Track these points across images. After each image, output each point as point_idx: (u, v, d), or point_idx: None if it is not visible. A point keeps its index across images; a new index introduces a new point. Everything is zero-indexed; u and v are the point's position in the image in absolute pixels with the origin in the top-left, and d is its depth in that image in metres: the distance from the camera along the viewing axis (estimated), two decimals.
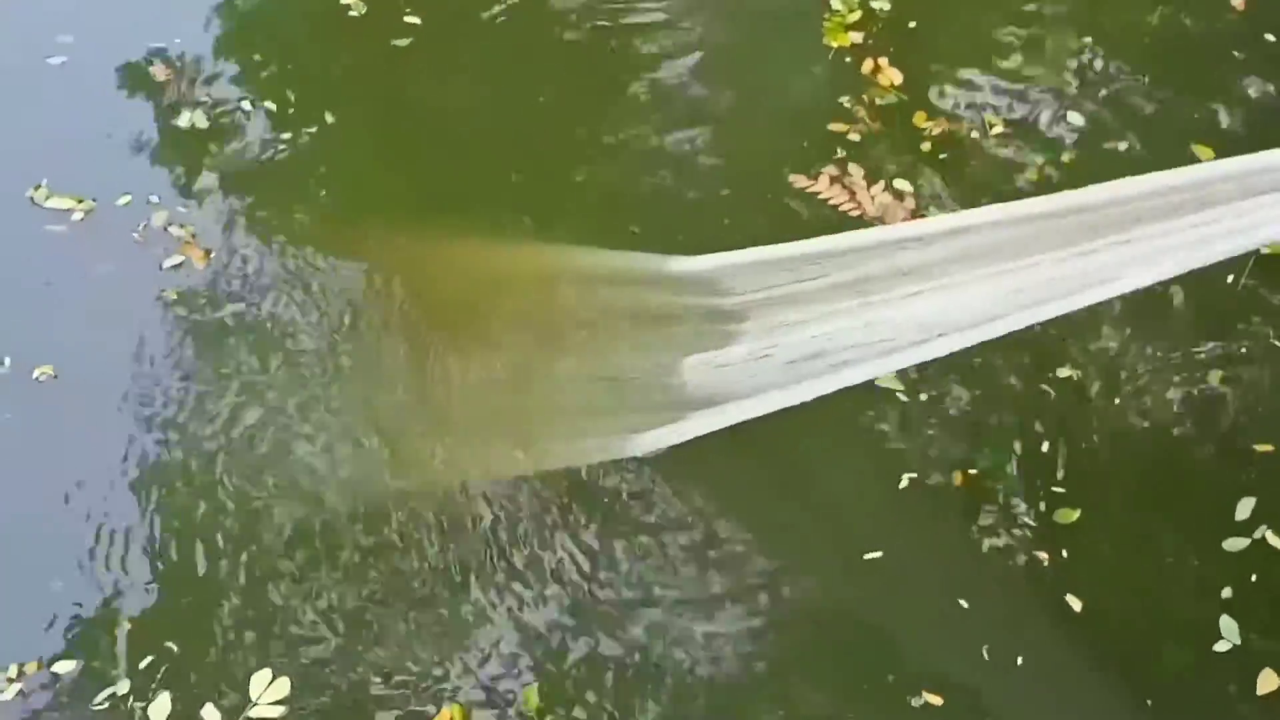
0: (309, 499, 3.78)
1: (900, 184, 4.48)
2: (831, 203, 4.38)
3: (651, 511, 3.77)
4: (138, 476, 3.84)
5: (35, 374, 4.01)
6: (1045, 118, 4.78)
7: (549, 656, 3.50)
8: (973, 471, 3.79)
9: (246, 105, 4.84)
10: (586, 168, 4.67)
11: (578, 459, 3.84)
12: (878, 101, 4.77)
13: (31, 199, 4.48)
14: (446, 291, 4.28)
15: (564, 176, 4.63)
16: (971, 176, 4.58)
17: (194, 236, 4.39)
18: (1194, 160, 4.45)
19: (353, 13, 5.16)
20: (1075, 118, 4.76)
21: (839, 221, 4.30)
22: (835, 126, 4.69)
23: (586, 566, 3.65)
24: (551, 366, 4.06)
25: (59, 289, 4.27)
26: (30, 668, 3.44)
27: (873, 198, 4.38)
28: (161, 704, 3.37)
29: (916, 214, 4.34)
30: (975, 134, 4.70)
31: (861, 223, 4.31)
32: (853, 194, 4.39)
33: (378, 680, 3.45)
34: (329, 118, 4.80)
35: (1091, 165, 4.56)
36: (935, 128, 4.68)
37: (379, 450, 3.90)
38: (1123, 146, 4.66)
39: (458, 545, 3.69)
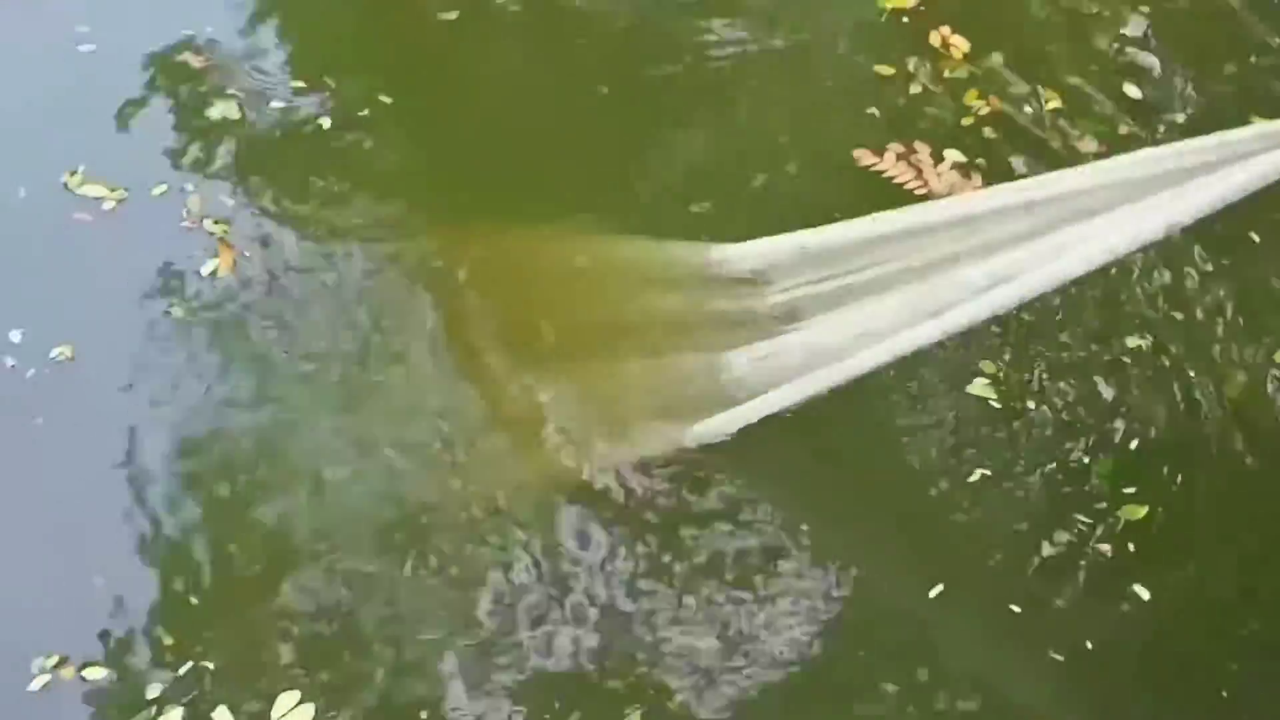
0: (361, 510, 3.68)
1: (965, 159, 4.42)
2: (897, 181, 4.31)
3: (707, 505, 3.73)
4: (171, 471, 3.75)
5: (54, 353, 3.90)
6: (1102, 90, 4.72)
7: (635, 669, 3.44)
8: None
9: (284, 92, 4.65)
10: (645, 148, 4.55)
11: (633, 452, 3.78)
12: (945, 73, 4.70)
13: (65, 184, 4.32)
14: (505, 286, 4.16)
15: (622, 157, 4.51)
16: (1029, 149, 4.52)
17: (227, 232, 4.23)
18: None
19: None
20: (1131, 90, 4.71)
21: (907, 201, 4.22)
22: (894, 98, 4.62)
23: (644, 574, 3.60)
24: (616, 359, 3.98)
25: (83, 278, 4.12)
26: (66, 673, 3.36)
27: (939, 175, 4.31)
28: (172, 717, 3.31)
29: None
30: (1029, 108, 4.64)
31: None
32: (919, 171, 4.32)
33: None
34: (384, 99, 4.61)
35: (1149, 138, 4.54)
36: (993, 101, 4.62)
37: (425, 457, 3.79)
38: (1180, 119, 4.62)
39: (516, 559, 3.60)
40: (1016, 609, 3.57)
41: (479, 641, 3.47)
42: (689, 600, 3.56)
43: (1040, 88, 4.70)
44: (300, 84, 4.67)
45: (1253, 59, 4.81)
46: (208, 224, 4.25)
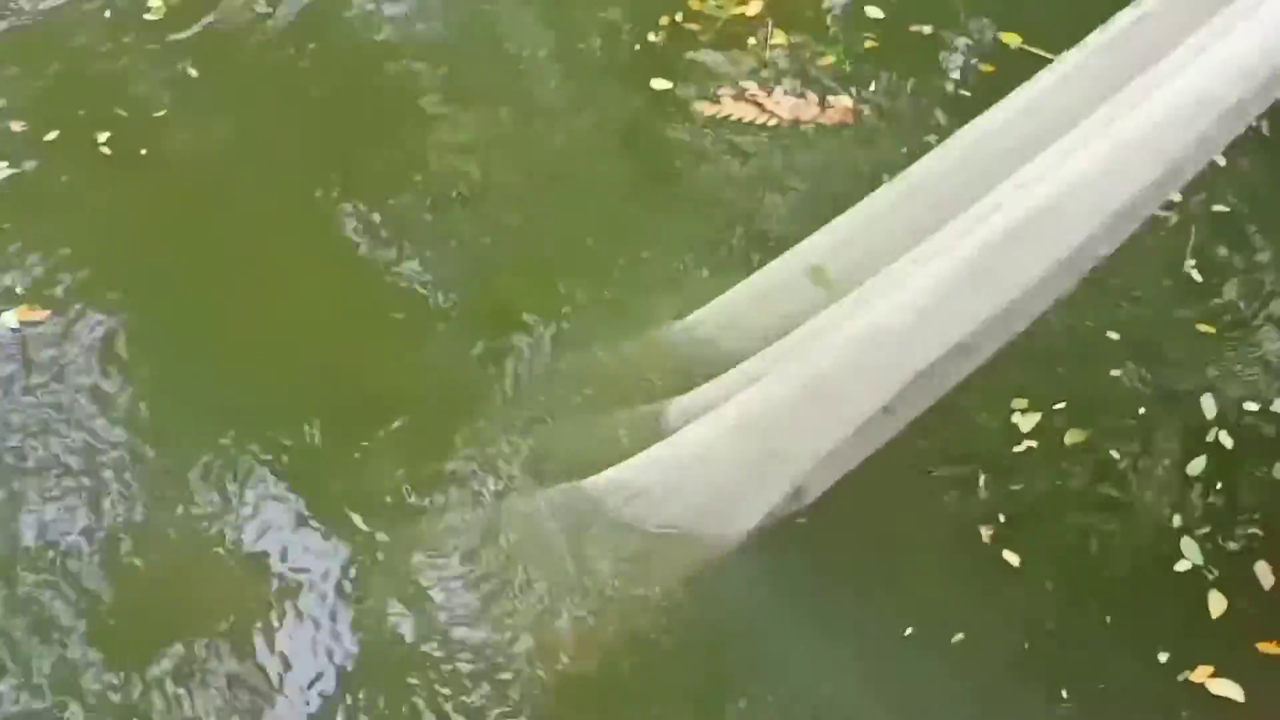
0: None
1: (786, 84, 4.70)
2: (746, 120, 4.54)
3: None
4: None
5: None
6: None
7: None
8: None
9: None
10: None
11: None
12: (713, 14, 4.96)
13: None
14: None
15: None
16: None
17: None
18: (1001, 46, 4.92)
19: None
20: (874, 11, 5.10)
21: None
22: (694, 52, 4.85)
23: None
24: None
25: None
26: None
27: (778, 103, 4.58)
28: None
29: (824, 105, 4.60)
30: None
31: (785, 130, 4.52)
32: (760, 106, 4.57)
33: None
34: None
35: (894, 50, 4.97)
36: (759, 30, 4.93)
37: None
38: (927, 30, 5.07)
39: None
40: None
41: None
42: None
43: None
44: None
45: None
46: None
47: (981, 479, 3.68)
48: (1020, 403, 3.80)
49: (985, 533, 3.56)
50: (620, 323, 3.92)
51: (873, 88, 4.80)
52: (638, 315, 3.94)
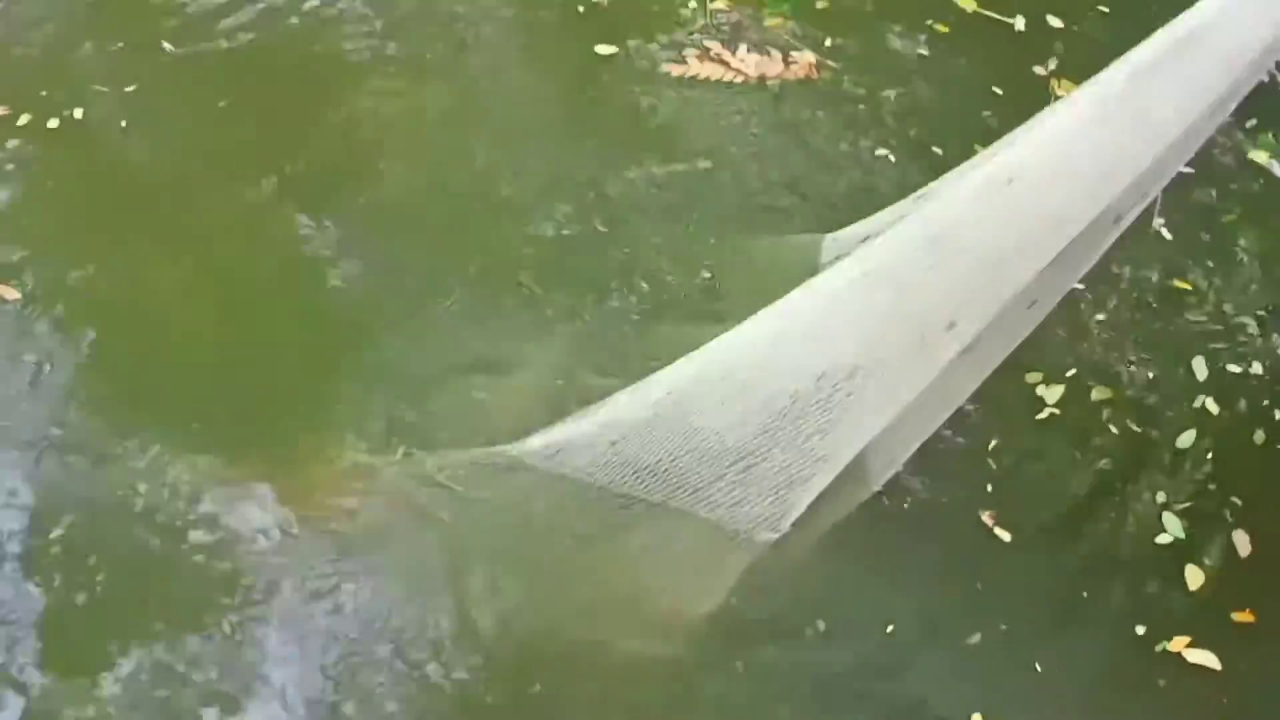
0: None
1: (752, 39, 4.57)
2: (714, 79, 4.40)
3: None
4: None
5: None
6: None
7: None
8: None
9: None
10: None
11: None
12: None
13: None
14: None
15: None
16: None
17: None
18: (955, 8, 4.83)
19: None
20: None
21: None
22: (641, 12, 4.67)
23: None
24: None
25: None
26: None
27: (743, 60, 4.45)
28: None
29: (788, 61, 4.49)
30: None
31: (753, 86, 4.40)
32: (726, 64, 4.43)
33: None
34: None
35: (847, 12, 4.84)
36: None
37: None
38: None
39: None
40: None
41: None
42: None
43: None
44: None
45: None
46: None
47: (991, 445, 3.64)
48: (1035, 376, 3.76)
49: (984, 513, 3.51)
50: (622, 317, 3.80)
51: (829, 43, 4.69)
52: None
